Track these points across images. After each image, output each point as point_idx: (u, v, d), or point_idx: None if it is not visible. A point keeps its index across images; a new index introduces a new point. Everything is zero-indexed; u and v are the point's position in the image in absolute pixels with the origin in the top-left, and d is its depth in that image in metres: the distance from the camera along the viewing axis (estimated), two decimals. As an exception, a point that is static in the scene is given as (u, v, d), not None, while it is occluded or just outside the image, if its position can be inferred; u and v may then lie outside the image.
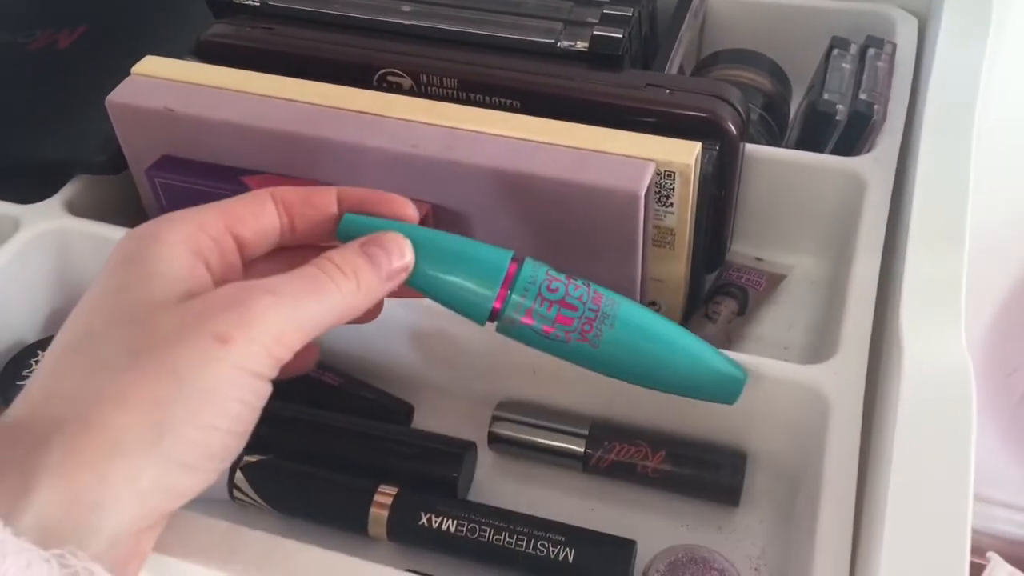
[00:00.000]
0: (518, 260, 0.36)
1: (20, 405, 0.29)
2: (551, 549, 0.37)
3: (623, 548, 0.38)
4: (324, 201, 0.34)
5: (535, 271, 0.35)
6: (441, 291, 0.35)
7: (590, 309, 0.35)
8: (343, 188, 0.35)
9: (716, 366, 0.37)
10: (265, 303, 0.29)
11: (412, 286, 0.34)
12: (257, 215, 0.33)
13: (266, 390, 0.30)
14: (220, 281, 0.32)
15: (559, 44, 0.46)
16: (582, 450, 0.42)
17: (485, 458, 0.45)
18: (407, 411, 0.47)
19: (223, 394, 0.28)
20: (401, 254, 0.33)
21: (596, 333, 0.35)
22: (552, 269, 0.36)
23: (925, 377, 0.35)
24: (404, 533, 0.40)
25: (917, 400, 0.34)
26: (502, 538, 0.38)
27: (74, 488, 0.26)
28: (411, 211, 0.35)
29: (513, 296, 0.35)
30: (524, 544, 0.38)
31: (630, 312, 0.36)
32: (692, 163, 0.41)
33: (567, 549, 0.37)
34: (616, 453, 0.42)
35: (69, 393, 0.28)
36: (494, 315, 0.35)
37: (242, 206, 0.33)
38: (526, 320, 0.35)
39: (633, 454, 0.42)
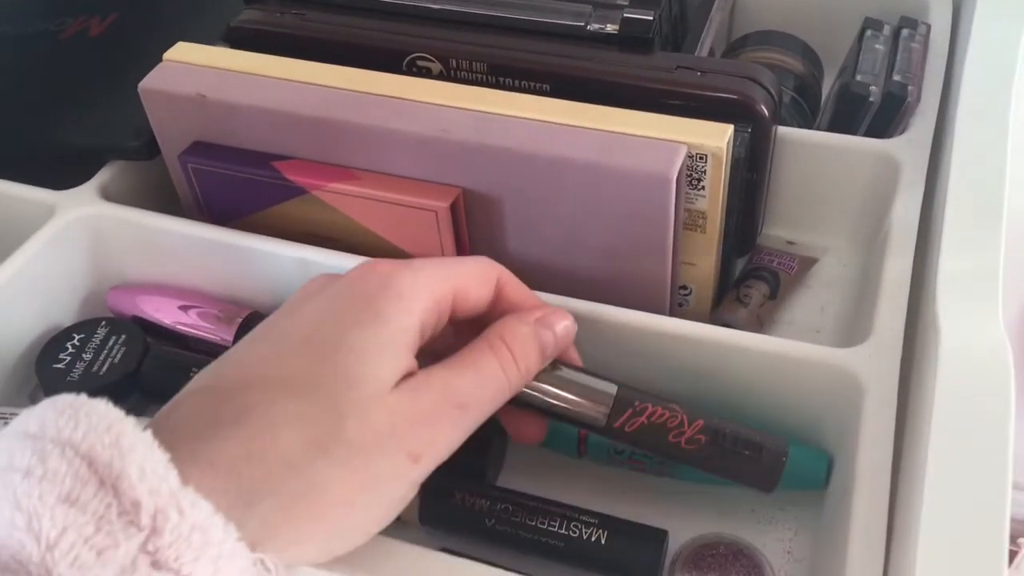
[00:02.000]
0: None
1: (232, 368, 0.31)
2: (584, 530, 0.37)
3: (655, 537, 0.38)
4: (529, 316, 0.36)
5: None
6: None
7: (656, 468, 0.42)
8: (549, 315, 0.36)
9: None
10: (454, 421, 0.31)
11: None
12: (479, 293, 0.35)
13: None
14: (427, 343, 0.33)
15: (589, 27, 0.46)
16: (608, 410, 0.37)
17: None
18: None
19: (396, 507, 0.31)
20: (569, 337, 0.37)
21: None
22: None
23: (962, 359, 0.34)
24: (435, 517, 0.40)
25: (954, 382, 0.34)
26: (534, 520, 0.38)
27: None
28: None
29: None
30: (557, 525, 0.38)
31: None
32: (724, 146, 0.40)
33: (600, 531, 0.37)
34: (647, 416, 0.37)
35: (278, 445, 0.28)
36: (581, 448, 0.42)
37: (473, 281, 0.35)
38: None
39: (667, 419, 0.37)
